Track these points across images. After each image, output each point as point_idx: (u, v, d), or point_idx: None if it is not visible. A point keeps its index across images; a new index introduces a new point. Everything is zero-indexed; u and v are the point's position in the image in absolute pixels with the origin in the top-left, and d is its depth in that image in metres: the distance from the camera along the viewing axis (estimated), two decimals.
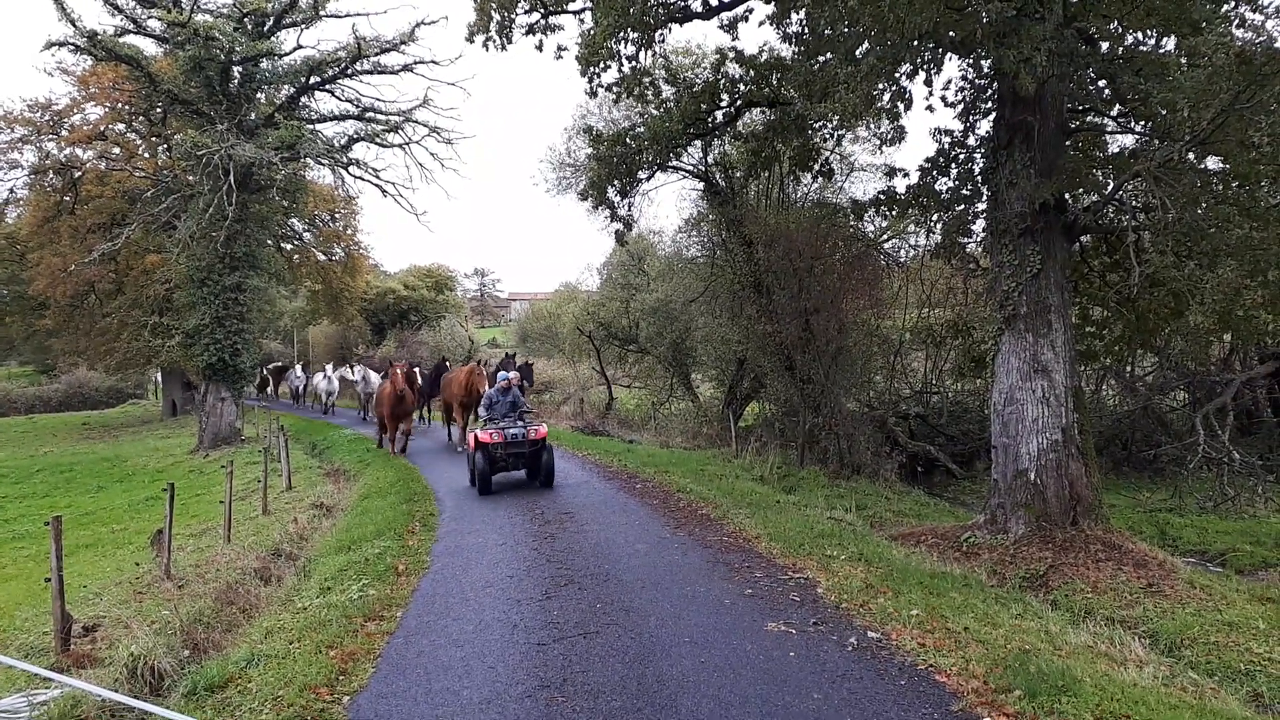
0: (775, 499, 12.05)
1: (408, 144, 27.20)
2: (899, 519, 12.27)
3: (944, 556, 9.52)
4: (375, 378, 29.35)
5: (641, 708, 5.17)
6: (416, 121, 26.99)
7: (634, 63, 11.84)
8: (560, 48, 12.30)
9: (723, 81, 14.16)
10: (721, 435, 20.42)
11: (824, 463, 16.63)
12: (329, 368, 36.76)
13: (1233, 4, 9.10)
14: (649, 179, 16.35)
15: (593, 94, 12.46)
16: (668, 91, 14.89)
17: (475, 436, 13.32)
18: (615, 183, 15.12)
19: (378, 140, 26.88)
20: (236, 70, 24.58)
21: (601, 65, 11.60)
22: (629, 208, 16.30)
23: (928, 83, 10.28)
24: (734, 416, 20.32)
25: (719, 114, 14.75)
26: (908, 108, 9.68)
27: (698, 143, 17.25)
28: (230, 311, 25.10)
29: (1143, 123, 10.08)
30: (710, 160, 18.98)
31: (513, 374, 14.97)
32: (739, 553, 8.91)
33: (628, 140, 14.44)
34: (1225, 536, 11.30)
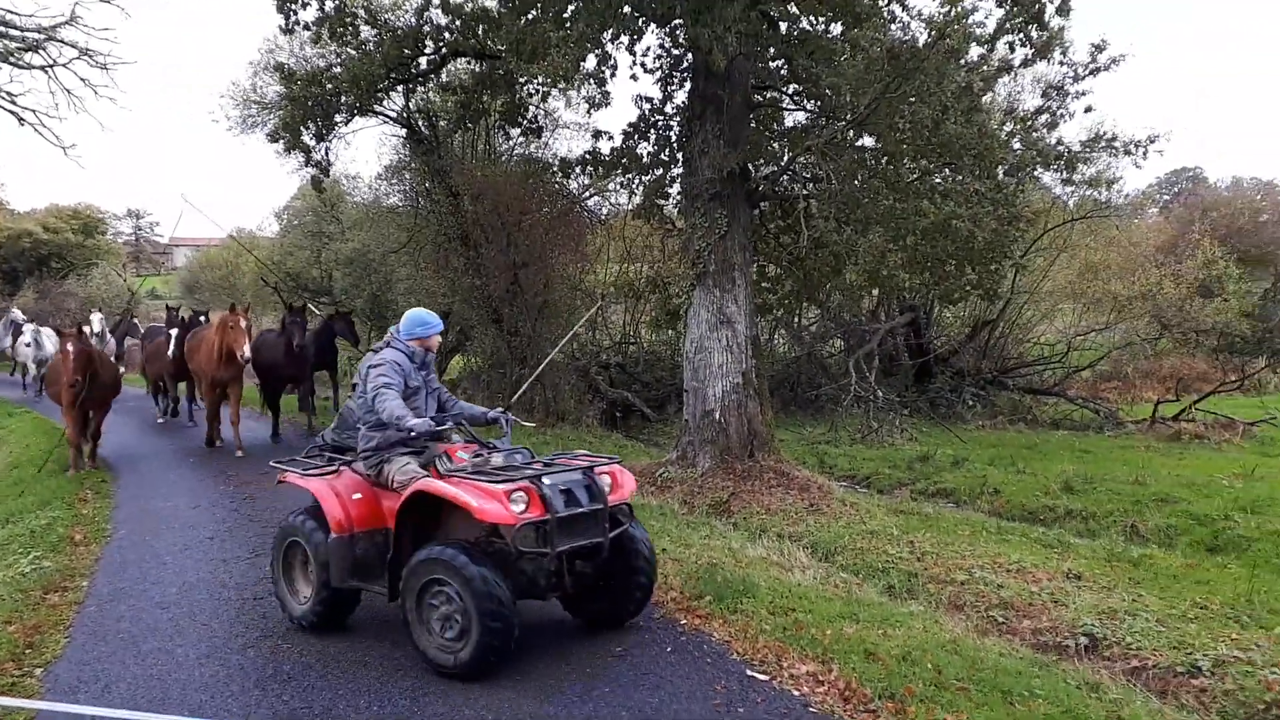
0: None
1: (51, 66, 23.51)
2: None
3: (642, 491, 10.39)
4: (50, 342, 20.69)
5: (369, 646, 5.34)
6: (62, 41, 23.37)
7: (339, 3, 11.26)
8: None
9: (426, 28, 13.83)
10: None
11: (530, 411, 17.16)
12: (27, 325, 23.57)
13: (887, 2, 10.54)
14: (347, 123, 15.65)
15: (289, 31, 11.70)
16: (368, 32, 14.26)
17: (414, 493, 5.08)
18: (310, 125, 14.33)
19: (12, 60, 22.96)
20: None
21: (301, 2, 10.91)
22: (325, 152, 15.52)
23: (631, 50, 10.86)
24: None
25: (423, 61, 14.42)
26: (613, 74, 10.19)
27: (400, 88, 16.72)
28: None
29: (813, 102, 11.37)
30: (414, 107, 18.44)
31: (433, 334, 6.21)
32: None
33: (324, 81, 13.71)
34: (870, 462, 13.28)
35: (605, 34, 9.69)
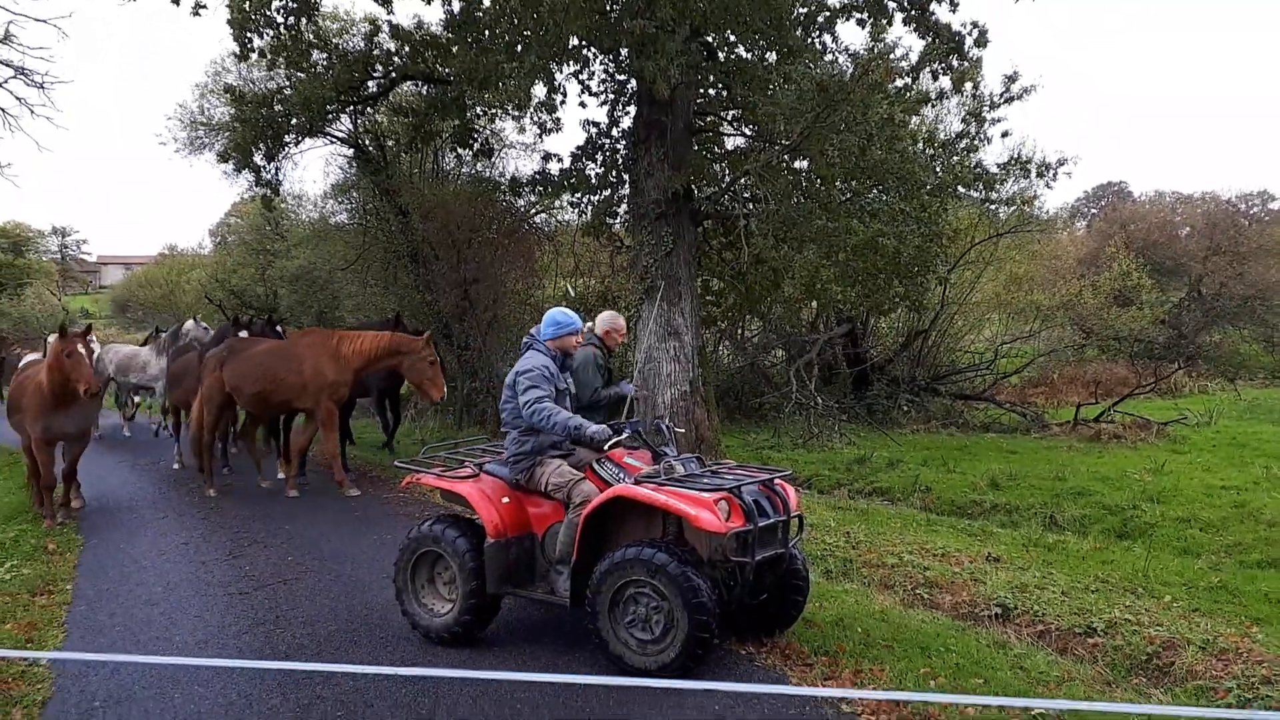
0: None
1: None
2: None
3: None
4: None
5: (357, 628, 5.81)
6: None
7: (294, 31, 11.64)
8: (199, 4, 11.52)
9: (376, 52, 14.22)
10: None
11: (482, 424, 17.55)
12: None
13: (818, 34, 11.32)
14: (298, 144, 15.95)
15: (244, 58, 12.02)
16: (318, 56, 14.59)
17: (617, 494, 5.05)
18: (261, 146, 14.61)
19: None
20: None
21: (258, 30, 11.28)
22: (275, 172, 15.80)
23: (579, 78, 11.45)
24: None
25: (372, 84, 14.80)
26: (563, 101, 10.78)
27: (350, 110, 17.05)
28: None
29: (751, 127, 12.08)
30: (362, 128, 18.77)
31: (570, 333, 5.74)
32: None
33: (275, 103, 14.03)
34: (811, 465, 13.94)
35: (555, 65, 10.26)
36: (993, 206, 14.80)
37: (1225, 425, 16.24)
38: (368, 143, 19.07)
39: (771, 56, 11.15)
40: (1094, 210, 49.97)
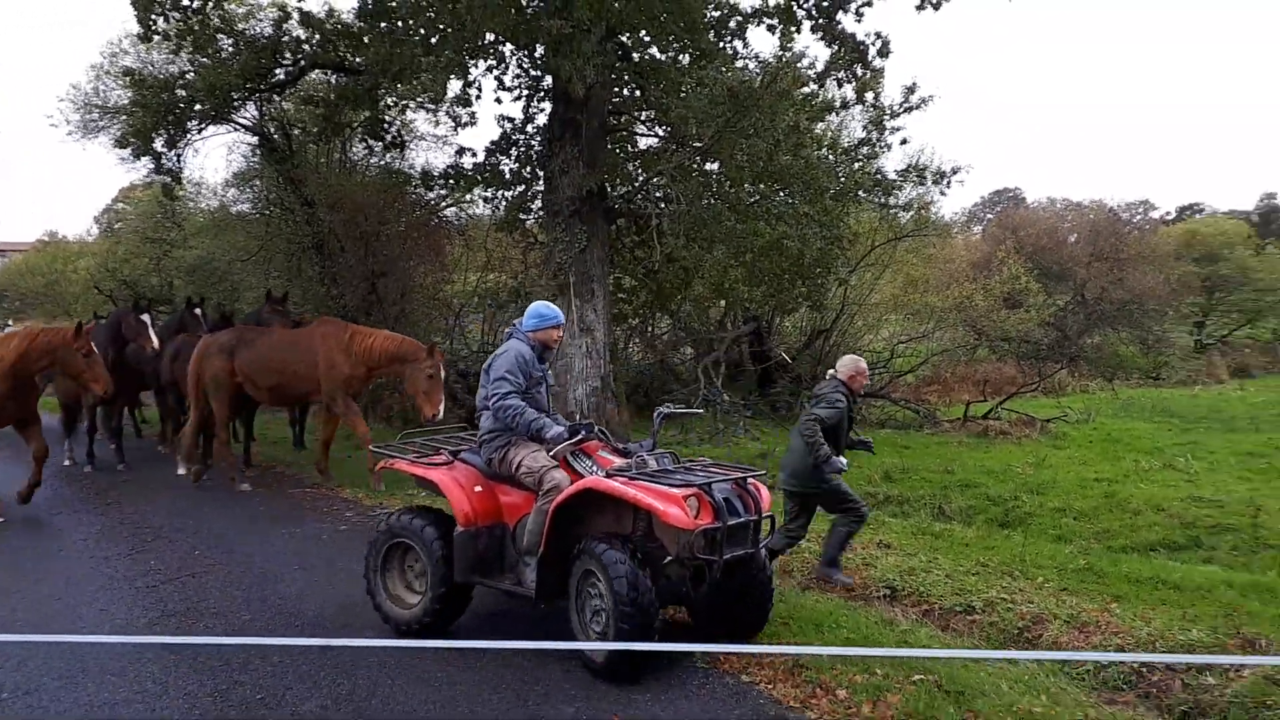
0: (347, 454, 12.64)
1: None
2: None
3: None
4: None
5: (271, 616, 5.85)
6: None
7: (200, 15, 11.38)
8: None
9: (285, 39, 13.96)
10: None
11: (388, 421, 17.38)
12: None
13: (730, 39, 11.68)
14: (201, 131, 15.55)
15: (147, 39, 11.70)
16: (225, 41, 14.23)
17: (580, 488, 5.00)
18: (162, 132, 14.22)
19: None
20: None
21: (163, 13, 11.00)
22: (177, 159, 15.38)
23: (495, 74, 11.54)
24: None
25: (280, 72, 14.53)
26: (479, 96, 10.85)
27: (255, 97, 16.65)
28: None
29: (664, 128, 12.37)
30: (269, 116, 18.34)
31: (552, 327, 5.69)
32: (325, 499, 9.60)
33: (177, 88, 13.66)
34: (717, 460, 14.39)
35: (471, 60, 10.34)
36: (892, 211, 15.49)
37: (1102, 422, 17.36)
38: (273, 131, 18.63)
39: (685, 59, 11.46)
40: (989, 215, 52.16)
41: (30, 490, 9.09)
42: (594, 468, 5.07)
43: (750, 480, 5.05)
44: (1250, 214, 49.68)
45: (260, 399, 10.70)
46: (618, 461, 5.09)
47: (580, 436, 5.20)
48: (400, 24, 10.68)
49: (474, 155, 12.81)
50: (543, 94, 12.41)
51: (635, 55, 11.78)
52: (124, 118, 16.69)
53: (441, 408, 9.25)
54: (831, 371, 7.06)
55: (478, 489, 5.30)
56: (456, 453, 5.59)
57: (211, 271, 25.16)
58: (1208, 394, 22.76)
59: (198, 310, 12.52)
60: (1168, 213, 45.51)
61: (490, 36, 10.04)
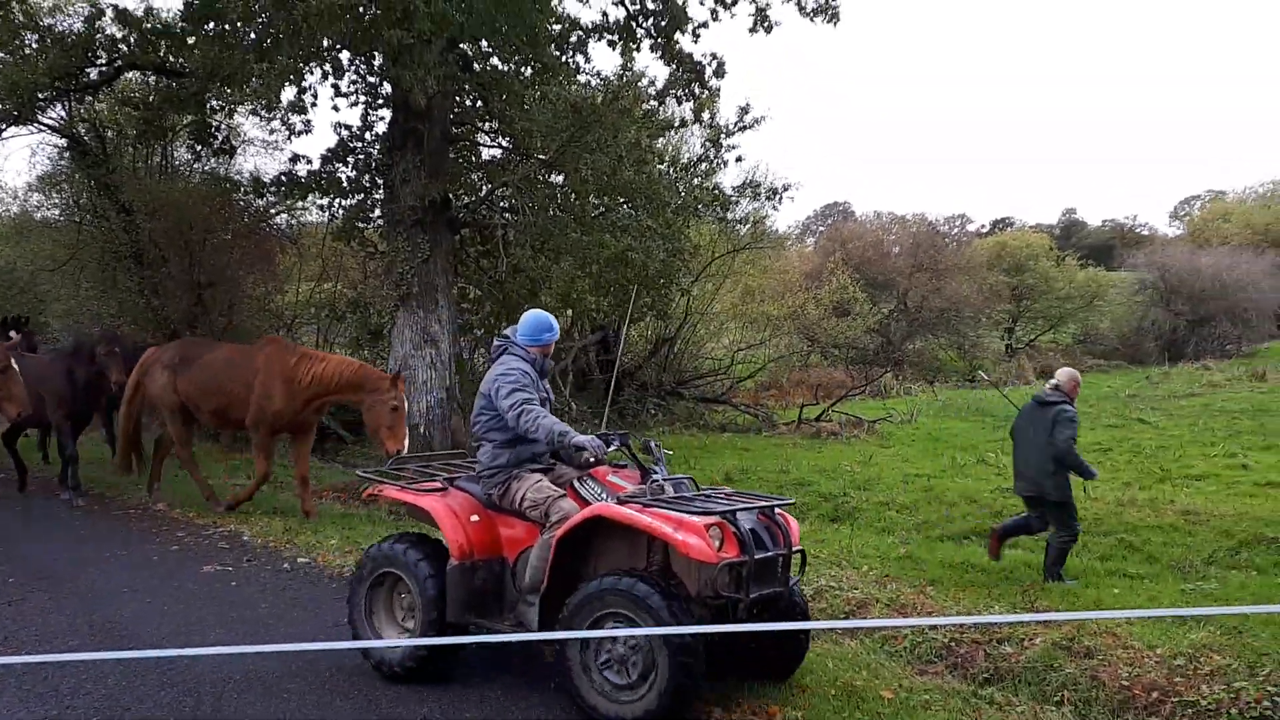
0: (176, 474, 12.03)
1: None
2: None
3: (350, 505, 10.81)
4: None
5: (103, 640, 5.56)
6: None
7: (2, 10, 10.57)
8: None
9: (99, 37, 13.12)
10: None
11: (216, 439, 16.54)
12: None
13: (571, 53, 11.90)
14: (1, 133, 14.40)
15: None
16: (30, 37, 13.20)
17: (595, 514, 4.49)
18: None
19: None
20: None
21: None
22: None
23: (329, 80, 11.29)
24: None
25: (94, 72, 13.65)
26: (314, 104, 10.60)
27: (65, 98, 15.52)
28: None
29: (508, 140, 12.46)
30: (79, 117, 17.11)
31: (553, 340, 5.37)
32: (152, 520, 9.21)
33: None
34: None
35: (306, 67, 10.09)
36: (730, 225, 16.17)
37: (924, 422, 18.69)
38: (84, 133, 17.39)
39: (528, 71, 11.60)
40: (821, 228, 54.80)
41: None
42: (604, 494, 4.57)
43: (779, 511, 4.54)
44: (1054, 227, 54.64)
45: (204, 421, 9.78)
46: (630, 487, 4.59)
47: (614, 447, 4.75)
48: (229, 27, 10.29)
49: (309, 162, 12.48)
50: (381, 101, 12.24)
51: (477, 66, 11.81)
52: None
53: (406, 443, 8.49)
54: (1054, 383, 7.19)
55: (474, 518, 4.76)
56: (453, 479, 5.06)
57: (13, 282, 23.18)
58: (1016, 393, 24.87)
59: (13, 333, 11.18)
60: (982, 226, 49.25)
61: (327, 43, 9.84)
